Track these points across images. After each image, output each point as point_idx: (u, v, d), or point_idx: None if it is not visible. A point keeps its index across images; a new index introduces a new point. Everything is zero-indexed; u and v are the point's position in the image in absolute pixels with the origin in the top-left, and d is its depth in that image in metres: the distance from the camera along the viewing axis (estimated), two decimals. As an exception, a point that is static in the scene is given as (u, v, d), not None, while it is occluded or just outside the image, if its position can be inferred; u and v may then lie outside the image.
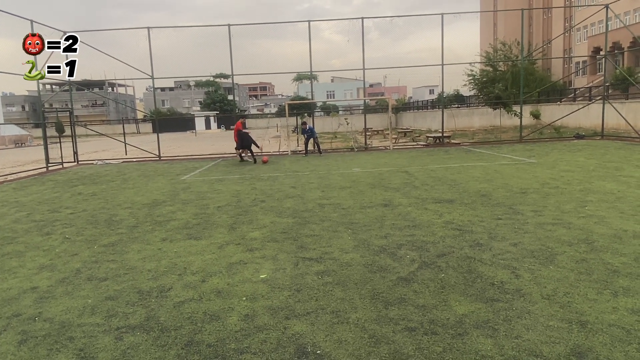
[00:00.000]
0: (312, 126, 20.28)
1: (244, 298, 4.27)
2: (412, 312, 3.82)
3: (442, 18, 20.83)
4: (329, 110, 55.26)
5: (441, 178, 11.17)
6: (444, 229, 6.41)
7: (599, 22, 40.50)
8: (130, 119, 68.51)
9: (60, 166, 18.72)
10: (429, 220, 6.95)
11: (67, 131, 23.83)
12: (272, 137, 34.21)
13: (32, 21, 16.91)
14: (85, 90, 66.94)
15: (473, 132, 31.73)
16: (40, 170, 17.50)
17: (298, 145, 23.28)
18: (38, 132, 42.58)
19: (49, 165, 18.22)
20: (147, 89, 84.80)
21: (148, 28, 20.12)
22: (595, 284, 4.23)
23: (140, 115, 70.92)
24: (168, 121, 59.36)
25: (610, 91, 27.84)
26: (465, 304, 3.95)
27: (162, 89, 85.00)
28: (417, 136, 28.28)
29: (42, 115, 19.52)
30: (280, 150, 22.41)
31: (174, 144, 33.14)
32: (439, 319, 3.68)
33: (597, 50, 39.38)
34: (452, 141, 23.16)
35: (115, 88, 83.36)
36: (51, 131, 25.91)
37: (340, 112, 54.49)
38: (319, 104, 55.94)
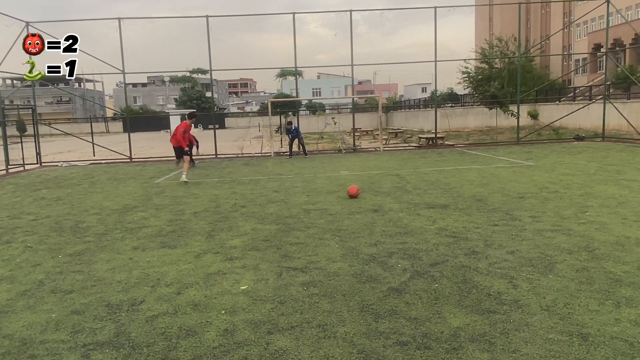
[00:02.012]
0: (297, 126, 20.26)
1: (223, 311, 4.23)
2: (403, 325, 3.82)
3: (435, 11, 21.02)
4: (315, 108, 55.35)
5: (434, 182, 11.24)
6: (438, 236, 6.44)
7: (600, 18, 41.27)
8: (99, 117, 67.73)
9: (22, 168, 18.39)
10: (422, 226, 6.98)
11: (30, 130, 23.46)
12: (253, 137, 34.09)
13: (-8, 10, 16.68)
14: (50, 86, 66.19)
15: (468, 133, 32.07)
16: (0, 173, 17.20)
17: (282, 147, 23.25)
18: (-3, 131, 41.95)
19: (8, 167, 17.90)
20: (117, 85, 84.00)
21: (119, 19, 19.97)
22: (597, 294, 4.29)
23: (110, 113, 70.24)
24: (140, 120, 58.80)
25: (611, 90, 28.34)
26: (460, 316, 3.97)
27: (134, 85, 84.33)
28: (408, 137, 28.47)
29: (2, 113, 19.17)
30: (263, 152, 22.37)
31: (147, 144, 32.83)
32: (432, 333, 3.69)
33: (597, 47, 40.10)
34: (446, 142, 23.35)
35: (82, 83, 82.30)
36: (12, 130, 25.46)
37: (327, 111, 54.62)
38: (304, 102, 55.93)
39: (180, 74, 75.43)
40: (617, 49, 38.27)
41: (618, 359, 3.21)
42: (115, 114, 66.29)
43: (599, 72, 40.34)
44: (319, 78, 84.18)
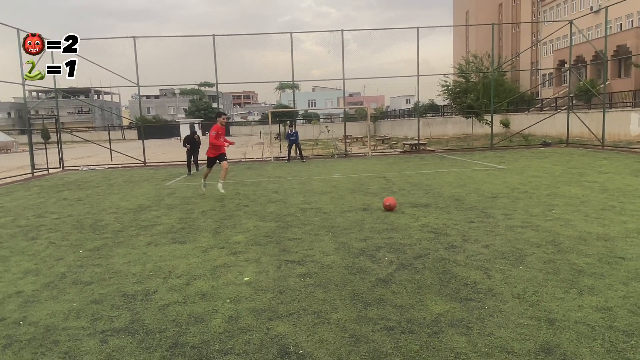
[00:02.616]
0: (297, 132, 20.23)
1: (228, 300, 4.22)
2: (390, 312, 3.83)
3: (417, 31, 21.10)
4: (311, 118, 55.28)
5: (417, 183, 11.27)
6: (420, 231, 6.45)
7: (564, 37, 41.55)
8: (116, 126, 67.42)
9: (46, 172, 18.30)
10: (406, 223, 6.99)
11: (53, 137, 23.32)
12: (255, 143, 34.07)
13: (18, 30, 16.57)
14: (71, 98, 65.77)
15: (447, 139, 32.14)
16: (25, 176, 17.06)
17: (281, 152, 23.23)
18: (24, 138, 41.68)
19: (34, 171, 17.80)
20: (132, 97, 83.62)
21: (134, 37, 19.91)
22: (562, 283, 4.31)
23: (125, 122, 69.91)
24: (153, 128, 58.58)
25: (574, 102, 28.50)
26: (441, 303, 3.98)
27: (148, 97, 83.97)
28: (394, 143, 28.51)
29: (28, 122, 19.10)
30: (264, 157, 22.33)
31: (159, 150, 32.71)
32: (415, 318, 3.69)
33: (562, 63, 40.38)
34: (428, 148, 23.40)
35: (101, 95, 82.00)
36: (37, 137, 25.35)
37: (321, 120, 54.60)
38: (300, 112, 55.91)
39: (189, 87, 75.37)
40: (579, 64, 38.52)
41: (581, 341, 3.22)
42: (130, 122, 65.89)
43: (563, 85, 40.55)
44: (314, 91, 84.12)
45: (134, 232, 7.19)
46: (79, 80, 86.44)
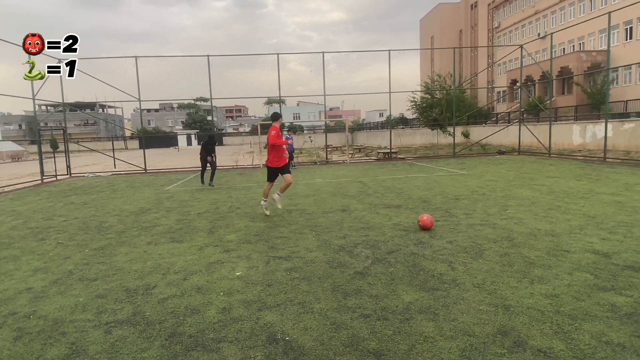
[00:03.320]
0: (292, 137, 19.98)
1: (222, 293, 4.17)
2: (367, 302, 3.83)
3: (389, 54, 21.34)
4: (295, 129, 55.29)
5: (390, 187, 11.33)
6: (393, 229, 6.48)
7: (515, 59, 42.47)
8: (119, 137, 66.28)
9: (55, 178, 17.85)
10: (380, 222, 7.02)
11: (61, 147, 22.79)
12: (246, 152, 33.83)
13: (28, 49, 16.16)
14: (78, 111, 64.52)
15: (415, 148, 32.45)
16: (35, 182, 16.62)
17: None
18: (34, 148, 40.58)
19: (43, 177, 17.34)
20: (134, 110, 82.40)
21: (135, 57, 19.62)
22: (516, 273, 4.37)
23: (128, 133, 68.74)
24: (153, 138, 57.76)
25: (524, 115, 29.10)
26: (411, 293, 4.00)
27: (148, 110, 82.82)
28: (369, 152, 28.66)
29: (38, 133, 18.61)
30: (254, 164, 22.20)
31: (159, 158, 32.26)
32: (389, 307, 3.70)
33: (514, 82, 41.20)
34: (399, 156, 23.59)
35: (105, 109, 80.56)
36: (46, 147, 24.72)
37: (305, 131, 54.56)
38: (286, 124, 55.81)
39: (186, 102, 74.63)
40: (529, 83, 39.36)
41: (533, 325, 3.27)
42: (132, 133, 64.88)
43: (515, 101, 41.36)
44: (299, 105, 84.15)
45: (136, 232, 7.06)
46: (85, 96, 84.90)
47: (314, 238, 6.17)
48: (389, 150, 23.38)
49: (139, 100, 20.01)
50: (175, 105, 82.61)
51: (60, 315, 3.82)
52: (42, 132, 21.64)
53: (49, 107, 66.01)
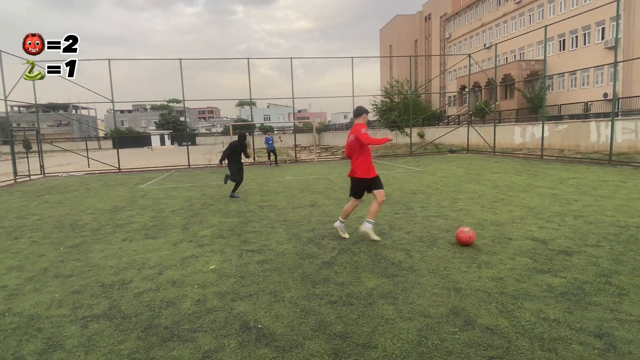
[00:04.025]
0: (272, 138, 19.99)
1: (196, 286, 4.08)
2: (333, 289, 3.85)
3: (352, 61, 21.50)
4: (266, 130, 54.74)
5: (353, 183, 11.39)
6: (357, 222, 6.49)
7: (464, 67, 43.79)
8: (93, 137, 63.38)
9: (28, 178, 16.84)
10: (345, 216, 7.04)
11: (34, 147, 21.54)
12: (218, 151, 33.16)
13: (0, 51, 15.18)
14: (51, 112, 61.14)
15: (377, 148, 32.88)
16: (8, 182, 15.61)
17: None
18: (6, 149, 38.06)
19: (17, 177, 16.34)
20: (107, 111, 79.09)
21: (109, 60, 18.81)
22: (466, 260, 4.52)
23: (101, 134, 65.82)
24: (127, 138, 55.62)
25: (472, 118, 30.08)
26: (373, 279, 4.05)
27: (122, 112, 79.74)
28: (335, 151, 28.79)
29: (10, 134, 17.50)
30: (225, 163, 21.81)
31: (133, 158, 31.10)
32: (354, 293, 3.74)
33: (463, 87, 42.51)
34: (361, 155, 23.76)
35: (78, 110, 76.75)
36: (19, 147, 23.28)
37: (275, 132, 54.15)
38: (257, 125, 55.15)
39: (159, 103, 72.28)
40: (476, 89, 40.69)
41: (481, 305, 3.40)
42: (106, 134, 62.17)
43: (464, 105, 42.69)
44: (269, 107, 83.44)
45: (111, 230, 6.78)
46: (58, 97, 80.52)
47: (285, 232, 6.14)
48: (352, 150, 23.52)
49: (112, 102, 19.20)
50: (148, 107, 79.87)
51: (36, 312, 3.63)
52: (14, 132, 20.37)
53: (21, 108, 62.21)
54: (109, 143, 58.51)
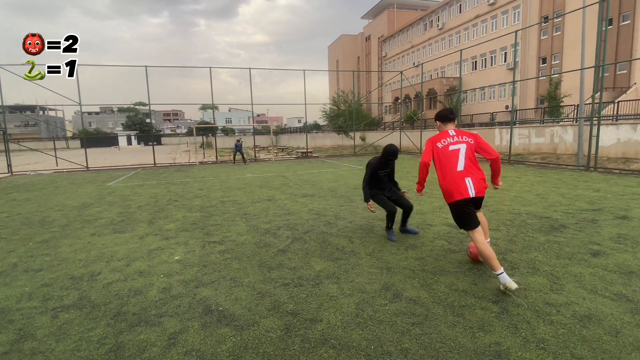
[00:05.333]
0: (242, 143, 19.87)
1: (162, 275, 3.94)
2: (286, 273, 3.89)
3: (304, 73, 21.50)
4: (228, 132, 53.26)
5: (306, 180, 11.50)
6: (308, 214, 6.59)
7: (397, 82, 45.32)
8: (61, 137, 58.00)
9: (-9, 177, 15.12)
10: (298, 209, 7.09)
11: (1, 147, 19.32)
12: (183, 151, 31.74)
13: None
14: (18, 113, 55.09)
15: (326, 149, 33.18)
16: (-31, 181, 13.92)
17: (204, 158, 22.01)
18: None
19: (-22, 176, 14.60)
20: (75, 113, 72.70)
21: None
22: (396, 243, 4.67)
23: (69, 134, 60.40)
24: (95, 139, 51.55)
25: (404, 124, 31.32)
26: (321, 263, 4.14)
27: (89, 113, 73.71)
28: (290, 151, 28.68)
29: (-29, 133, 15.57)
30: (190, 162, 20.99)
31: (100, 157, 28.90)
32: (304, 276, 3.80)
33: (396, 99, 44.00)
34: (313, 155, 23.97)
35: (46, 111, 69.79)
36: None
37: (237, 133, 52.85)
38: (220, 128, 53.45)
39: (125, 106, 67.68)
40: (407, 100, 42.36)
41: (406, 280, 3.59)
42: (73, 134, 57.15)
43: (397, 113, 44.27)
44: (230, 111, 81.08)
45: (79, 225, 6.30)
46: (25, 98, 72.56)
47: (244, 224, 6.06)
48: (305, 150, 23.65)
49: (80, 104, 17.71)
50: (115, 109, 74.49)
51: (7, 305, 3.31)
52: (-25, 132, 18.13)
53: (-18, 108, 55.31)
54: (77, 143, 53.81)
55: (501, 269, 3.14)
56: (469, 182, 3.19)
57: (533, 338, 2.60)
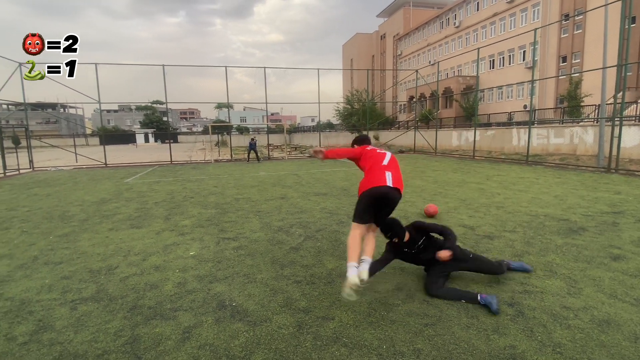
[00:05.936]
0: (256, 142, 20.29)
1: (177, 270, 4.01)
2: (299, 270, 3.90)
3: (318, 71, 21.51)
4: (242, 130, 53.78)
5: (319, 178, 11.50)
6: (321, 212, 6.59)
7: (413, 80, 44.81)
8: (80, 134, 59.63)
9: (17, 172, 15.67)
10: (311, 207, 7.10)
11: (23, 143, 20.01)
12: (199, 149, 32.20)
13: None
14: (39, 110, 56.94)
15: (339, 147, 33.11)
16: (-5, 176, 14.49)
17: (219, 156, 22.29)
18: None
19: (6, 171, 15.15)
20: (94, 111, 74.63)
21: (95, 64, 17.76)
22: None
23: (89, 131, 62.07)
24: (113, 136, 52.83)
25: (418, 123, 30.98)
26: (333, 261, 4.14)
27: (108, 111, 75.52)
28: (303, 150, 28.75)
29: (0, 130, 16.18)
30: (205, 159, 21.28)
31: (118, 154, 29.60)
32: (316, 273, 3.80)
33: (411, 97, 43.56)
34: (325, 153, 23.89)
35: (66, 109, 71.87)
36: (8, 143, 21.52)
37: (251, 132, 53.32)
38: (234, 126, 54.04)
39: (143, 104, 69.04)
40: (422, 99, 41.88)
41: (419, 281, 3.52)
42: (93, 131, 58.68)
43: (412, 112, 43.82)
44: (245, 110, 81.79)
45: (98, 220, 6.48)
46: (46, 96, 74.99)
47: (258, 221, 6.10)
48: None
49: (99, 102, 18.19)
50: (133, 107, 76.09)
51: (27, 296, 3.44)
52: (3, 129, 18.83)
53: (10, 106, 57.44)
54: (96, 140, 55.23)
55: (355, 262, 2.94)
56: (388, 175, 3.33)
57: (549, 342, 2.54)
